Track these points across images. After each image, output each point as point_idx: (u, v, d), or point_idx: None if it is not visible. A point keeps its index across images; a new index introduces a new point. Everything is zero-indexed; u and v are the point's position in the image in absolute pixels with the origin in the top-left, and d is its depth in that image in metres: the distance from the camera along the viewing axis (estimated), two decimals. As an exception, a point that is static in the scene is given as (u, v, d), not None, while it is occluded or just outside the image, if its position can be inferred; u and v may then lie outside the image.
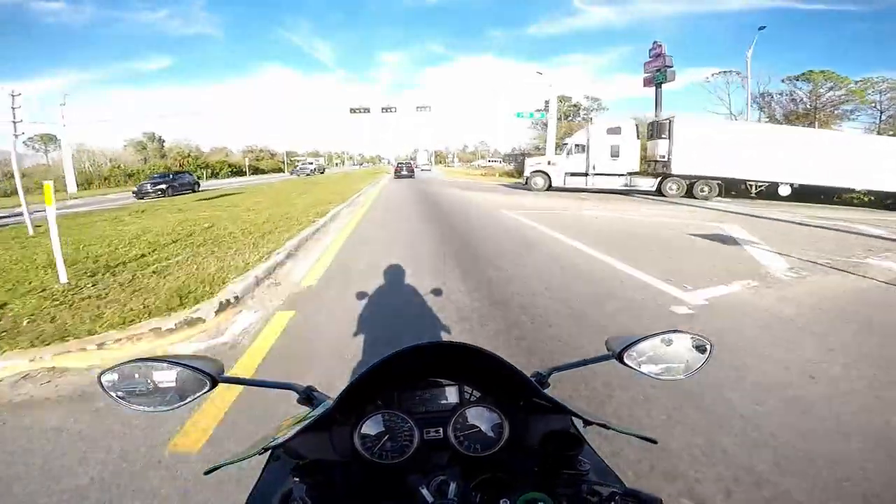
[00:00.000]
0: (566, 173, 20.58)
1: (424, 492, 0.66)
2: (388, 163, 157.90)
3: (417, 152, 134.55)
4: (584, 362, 0.87)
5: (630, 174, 19.69)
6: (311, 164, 56.88)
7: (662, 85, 25.07)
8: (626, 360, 0.80)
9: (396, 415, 0.78)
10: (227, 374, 0.74)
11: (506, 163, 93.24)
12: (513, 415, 0.81)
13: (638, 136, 19.80)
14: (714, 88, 37.62)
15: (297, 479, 0.67)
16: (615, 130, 19.87)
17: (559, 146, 24.06)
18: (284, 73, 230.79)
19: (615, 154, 19.72)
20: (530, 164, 21.77)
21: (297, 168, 55.40)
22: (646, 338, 0.79)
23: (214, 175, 52.08)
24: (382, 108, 31.88)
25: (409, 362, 0.77)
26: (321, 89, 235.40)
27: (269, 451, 0.77)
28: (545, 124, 36.55)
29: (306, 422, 0.72)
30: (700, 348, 0.81)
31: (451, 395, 0.84)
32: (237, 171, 58.28)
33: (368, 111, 31.72)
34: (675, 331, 0.81)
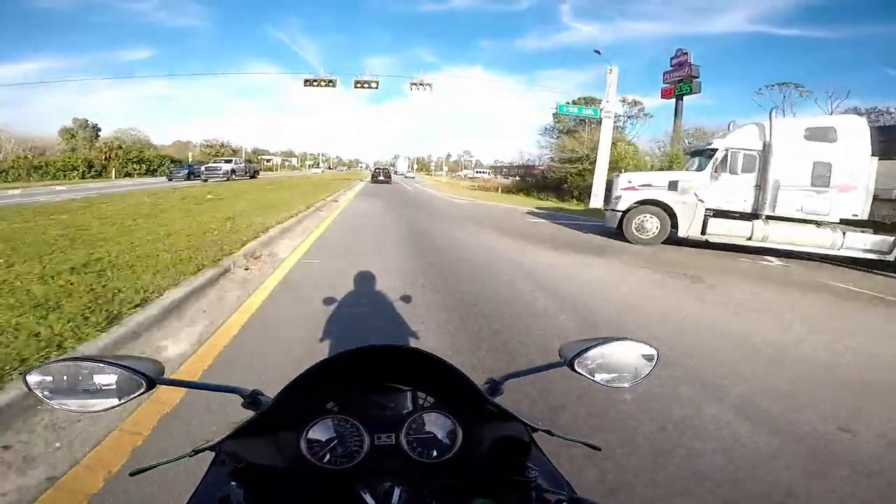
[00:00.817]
0: (710, 211, 10.37)
1: (368, 498, 0.66)
2: (367, 167, 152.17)
3: (398, 158, 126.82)
4: (538, 369, 0.86)
5: (848, 222, 9.72)
6: (227, 164, 34.49)
7: (684, 97, 23.38)
8: (576, 368, 0.80)
9: (346, 419, 0.76)
10: (168, 374, 0.72)
11: (496, 174, 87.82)
12: (466, 421, 0.80)
13: (872, 151, 9.66)
14: (765, 102, 31.24)
15: (234, 484, 0.65)
16: (823, 133, 9.78)
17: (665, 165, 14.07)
18: (268, 72, 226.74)
19: (822, 180, 9.67)
20: (627, 189, 10.80)
21: (190, 169, 33.88)
22: (596, 345, 0.79)
23: (151, 172, 41.90)
24: (357, 83, 21.85)
25: (358, 365, 0.77)
26: (301, 91, 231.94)
27: (215, 455, 0.75)
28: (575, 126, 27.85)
29: (242, 421, 0.70)
30: (647, 356, 0.82)
31: (405, 400, 0.82)
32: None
33: (333, 84, 21.53)
34: (624, 338, 0.81)
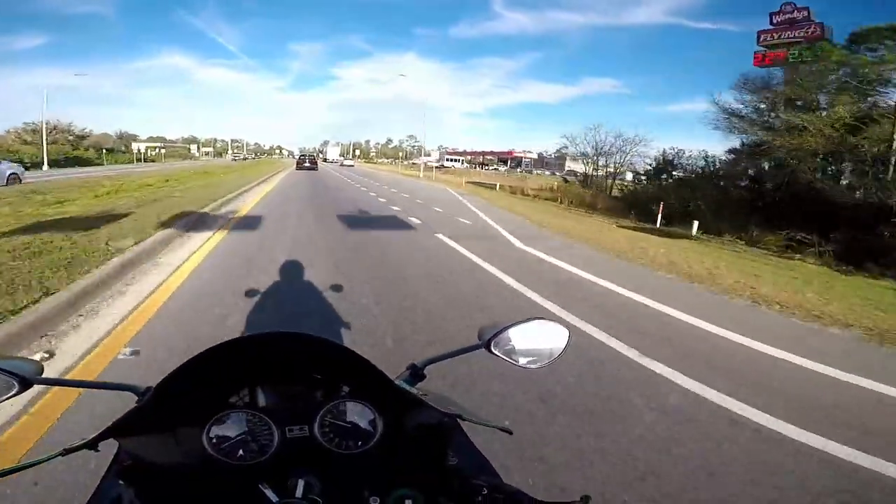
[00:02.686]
0: None
1: (269, 493, 0.63)
2: (290, 155, 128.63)
3: (327, 144, 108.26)
4: (457, 352, 0.84)
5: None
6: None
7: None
8: (493, 349, 0.78)
9: (252, 413, 0.72)
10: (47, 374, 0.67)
11: (475, 164, 74.01)
12: (386, 410, 0.77)
13: None
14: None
15: (122, 483, 0.64)
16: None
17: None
18: (179, 57, 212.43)
19: None
20: None
21: None
22: (510, 326, 0.78)
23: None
24: None
25: (263, 354, 0.74)
26: (219, 76, 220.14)
27: (115, 454, 0.72)
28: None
29: (120, 416, 0.65)
30: (560, 334, 0.82)
31: (318, 390, 0.77)
32: None
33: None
34: (537, 318, 0.81)
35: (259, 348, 0.74)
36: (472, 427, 0.82)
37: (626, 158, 27.67)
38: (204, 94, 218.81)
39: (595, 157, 28.08)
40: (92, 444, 0.66)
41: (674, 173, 22.64)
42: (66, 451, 0.66)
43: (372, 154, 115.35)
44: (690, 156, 22.07)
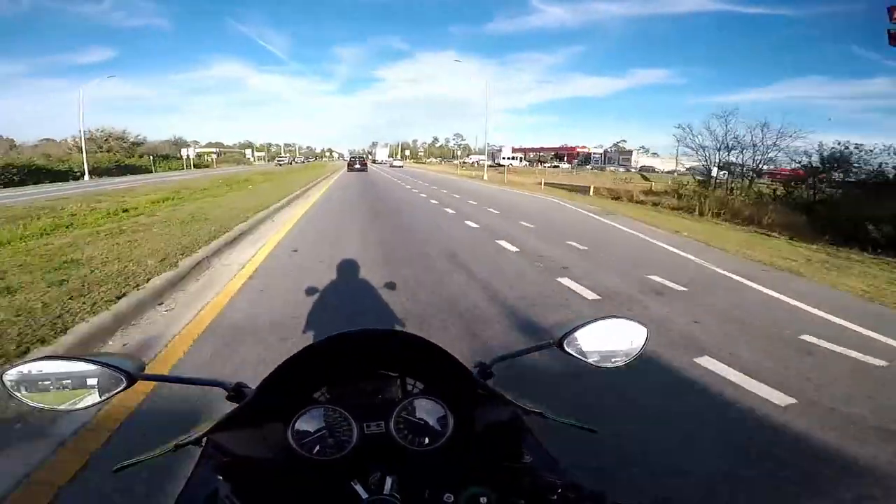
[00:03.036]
0: None
1: (358, 488, 0.64)
2: (341, 158, 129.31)
3: (376, 145, 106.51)
4: (527, 350, 0.85)
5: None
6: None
7: None
8: (566, 348, 0.78)
9: (334, 409, 0.74)
10: (148, 371, 0.71)
11: (537, 161, 68.91)
12: (457, 406, 0.77)
13: None
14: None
15: (221, 478, 0.64)
16: None
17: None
18: (233, 66, 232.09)
19: None
20: None
21: None
22: (585, 324, 0.78)
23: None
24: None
25: (345, 351, 0.75)
26: (273, 83, 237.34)
27: (203, 448, 0.72)
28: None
29: (224, 415, 0.69)
30: (637, 333, 0.81)
31: (394, 386, 0.80)
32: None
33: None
34: (613, 316, 0.80)
35: (354, 344, 0.73)
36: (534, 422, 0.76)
37: (766, 155, 20.61)
38: (258, 99, 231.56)
39: (724, 152, 21.20)
40: (199, 441, 0.69)
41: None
42: (177, 447, 0.67)
43: (420, 153, 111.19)
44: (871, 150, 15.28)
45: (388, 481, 0.64)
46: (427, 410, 0.76)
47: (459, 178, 32.55)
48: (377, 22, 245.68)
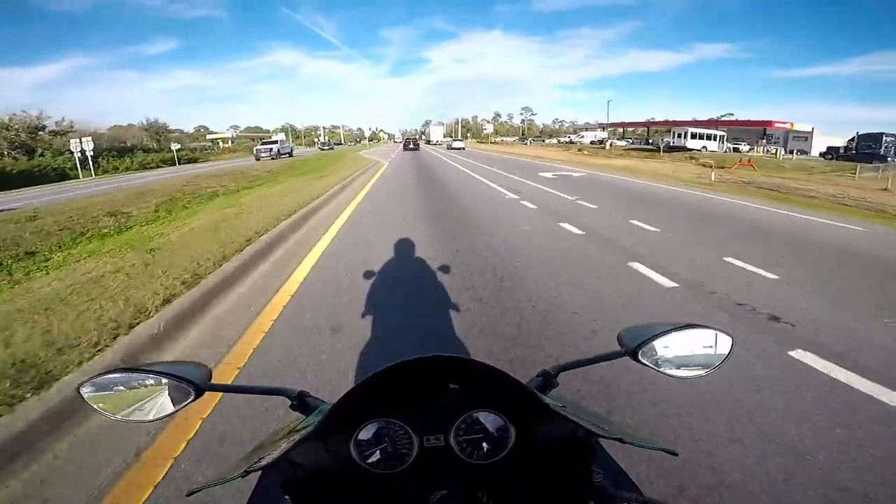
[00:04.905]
0: None
1: None
2: (392, 139, 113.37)
3: (430, 125, 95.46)
4: (595, 360, 0.79)
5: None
6: None
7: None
8: (640, 358, 0.72)
9: (394, 422, 0.72)
10: (214, 378, 0.71)
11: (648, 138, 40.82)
12: (519, 419, 0.73)
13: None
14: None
15: (287, 497, 0.66)
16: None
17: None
18: (286, 52, 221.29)
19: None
20: None
21: None
22: (661, 333, 0.72)
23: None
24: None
25: (409, 371, 0.73)
26: (325, 67, 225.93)
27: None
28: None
29: (295, 437, 0.68)
30: (721, 342, 0.73)
31: (454, 400, 0.75)
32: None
33: None
34: (693, 325, 0.72)
35: (411, 369, 0.71)
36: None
37: None
38: (311, 84, 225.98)
39: None
40: (268, 467, 0.66)
41: None
42: (246, 473, 0.66)
43: (486, 132, 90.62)
44: None
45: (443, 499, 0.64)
46: (488, 423, 0.72)
47: (672, 181, 13.37)
48: (421, 3, 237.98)
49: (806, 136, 43.45)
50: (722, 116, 62.73)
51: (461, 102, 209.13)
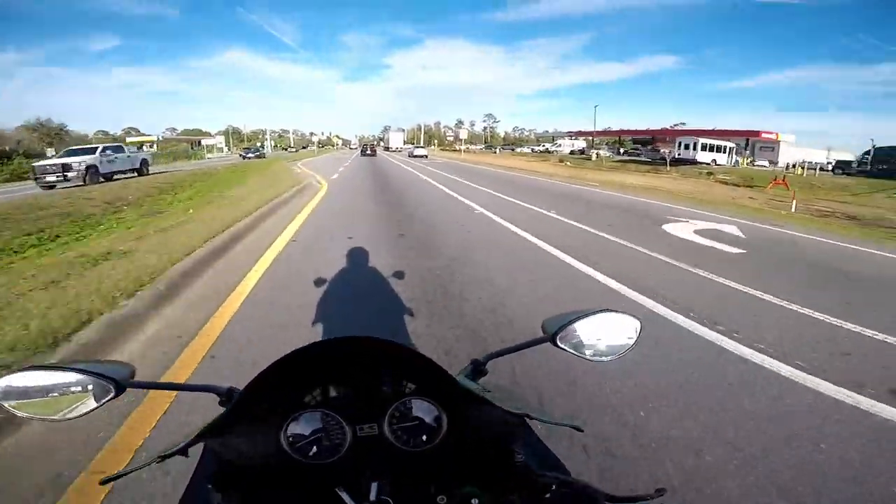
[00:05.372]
0: None
1: (345, 496, 0.65)
2: (347, 146, 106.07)
3: (389, 130, 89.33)
4: (521, 346, 0.81)
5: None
6: None
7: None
8: (559, 343, 0.76)
9: (325, 412, 0.73)
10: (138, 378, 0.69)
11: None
12: (451, 406, 0.75)
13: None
14: None
15: (210, 487, 0.65)
16: None
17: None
18: (241, 54, 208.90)
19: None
20: None
21: None
22: (577, 318, 0.76)
23: None
24: None
25: (335, 355, 0.74)
26: (277, 70, 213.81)
27: (201, 455, 0.75)
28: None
29: (208, 423, 0.68)
30: (629, 326, 0.79)
31: (386, 388, 0.76)
32: None
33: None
34: (606, 310, 0.77)
35: (333, 351, 0.72)
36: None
37: None
38: (266, 87, 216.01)
39: None
40: (184, 451, 0.67)
41: None
42: (162, 458, 0.66)
43: (450, 139, 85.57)
44: None
45: (374, 487, 0.65)
46: (421, 411, 0.73)
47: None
48: (385, 9, 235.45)
49: (772, 147, 41.45)
50: (675, 126, 61.63)
51: (423, 109, 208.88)
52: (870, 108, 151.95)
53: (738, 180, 21.17)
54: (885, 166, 28.18)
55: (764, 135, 40.69)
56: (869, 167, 29.61)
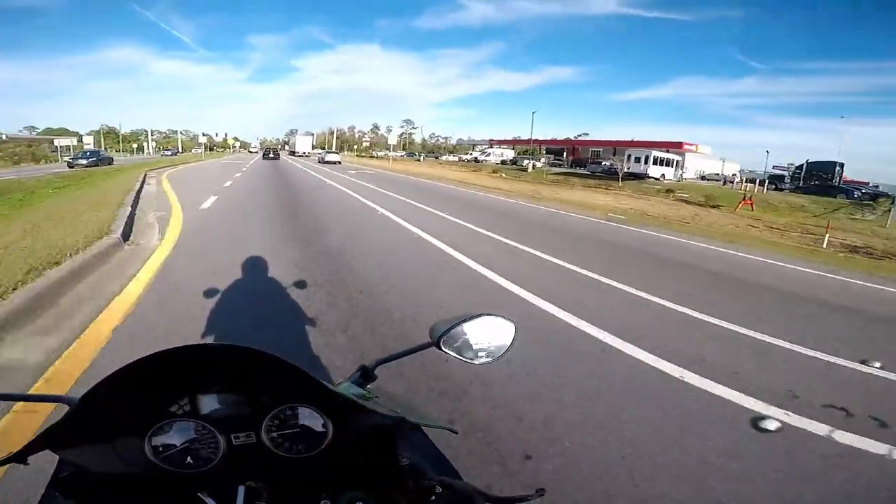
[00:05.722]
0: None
1: (208, 500, 0.64)
2: (246, 149, 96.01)
3: (295, 133, 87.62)
4: (408, 352, 0.85)
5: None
6: None
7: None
8: (443, 347, 0.80)
9: (194, 421, 0.69)
10: None
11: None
12: (332, 413, 0.73)
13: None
14: None
15: (58, 495, 0.63)
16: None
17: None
18: (129, 51, 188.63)
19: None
20: None
21: None
22: (458, 323, 0.80)
23: None
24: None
25: (203, 363, 0.69)
26: (175, 69, 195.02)
27: (56, 466, 0.70)
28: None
29: (43, 430, 0.63)
30: (506, 329, 0.83)
31: (263, 396, 0.73)
32: None
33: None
34: (485, 314, 0.82)
35: (193, 358, 0.68)
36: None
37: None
38: (159, 85, 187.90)
39: None
40: (20, 458, 0.62)
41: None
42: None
43: (366, 144, 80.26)
44: None
45: (241, 491, 0.64)
46: (305, 417, 0.72)
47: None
48: (298, 13, 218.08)
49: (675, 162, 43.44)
50: (578, 136, 64.24)
51: (336, 113, 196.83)
52: (738, 121, 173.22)
53: (699, 199, 20.06)
54: (816, 182, 29.60)
55: (686, 146, 42.46)
56: (801, 182, 31.03)
